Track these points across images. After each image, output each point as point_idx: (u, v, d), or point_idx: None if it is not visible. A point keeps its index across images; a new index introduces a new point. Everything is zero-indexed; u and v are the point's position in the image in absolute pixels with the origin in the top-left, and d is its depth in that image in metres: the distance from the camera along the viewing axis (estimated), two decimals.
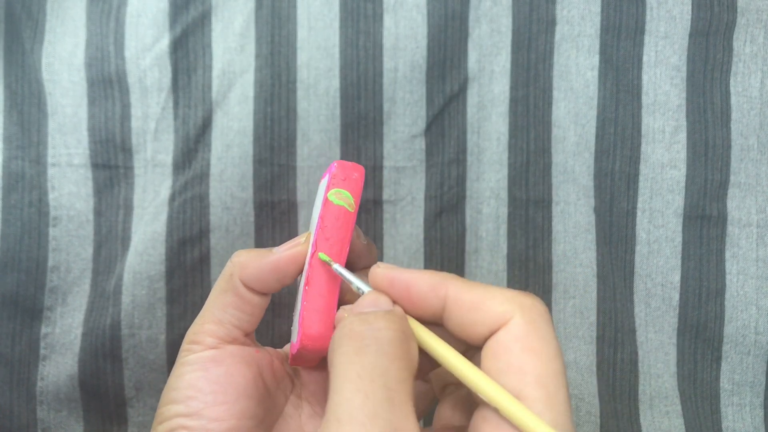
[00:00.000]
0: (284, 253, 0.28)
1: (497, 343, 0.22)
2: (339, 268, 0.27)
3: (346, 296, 0.29)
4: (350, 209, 0.28)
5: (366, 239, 0.30)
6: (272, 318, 0.40)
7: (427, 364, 0.25)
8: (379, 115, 0.39)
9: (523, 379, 0.21)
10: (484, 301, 0.23)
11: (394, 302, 0.25)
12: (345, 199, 0.28)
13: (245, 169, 0.39)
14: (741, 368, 0.39)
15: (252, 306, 0.28)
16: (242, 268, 0.28)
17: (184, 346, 0.28)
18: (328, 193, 0.28)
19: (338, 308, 0.28)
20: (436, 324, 0.25)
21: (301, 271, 0.28)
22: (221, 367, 0.27)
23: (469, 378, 0.22)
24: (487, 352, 0.22)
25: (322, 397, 0.30)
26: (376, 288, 0.25)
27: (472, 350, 0.25)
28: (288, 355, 0.31)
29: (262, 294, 0.28)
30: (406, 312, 0.25)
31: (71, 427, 0.39)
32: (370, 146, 0.39)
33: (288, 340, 0.40)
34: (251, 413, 0.26)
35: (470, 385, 0.22)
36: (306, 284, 0.27)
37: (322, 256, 0.27)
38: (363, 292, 0.26)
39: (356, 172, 0.28)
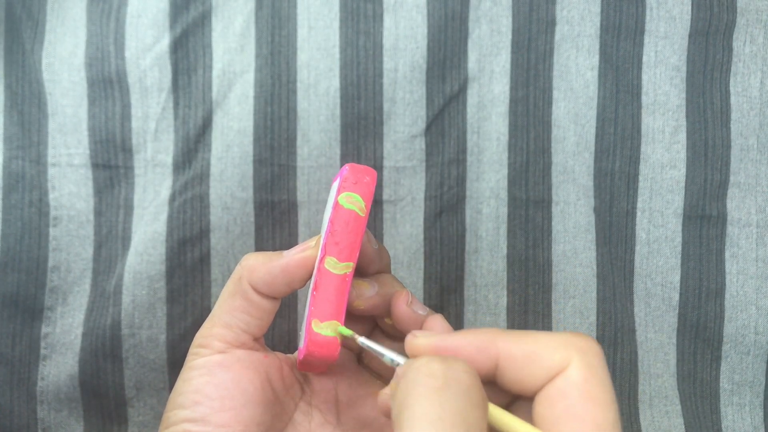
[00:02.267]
0: (294, 256, 0.27)
1: (555, 389, 0.21)
2: (368, 342, 0.26)
3: (354, 302, 0.28)
4: (361, 213, 0.27)
5: (377, 244, 0.30)
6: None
7: None
8: (379, 115, 0.39)
9: (581, 428, 0.20)
10: (538, 351, 0.22)
11: None
12: (356, 203, 0.27)
13: (245, 169, 0.39)
14: (741, 368, 0.39)
15: (261, 310, 0.28)
16: (251, 271, 0.28)
17: (192, 349, 0.28)
18: (339, 197, 0.27)
19: (346, 314, 0.27)
20: (486, 382, 0.23)
21: (310, 276, 0.28)
22: (228, 373, 0.27)
23: None
24: (542, 400, 0.22)
25: (333, 405, 0.29)
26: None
27: (518, 401, 0.24)
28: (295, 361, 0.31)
29: (272, 298, 0.28)
30: None
31: (71, 426, 0.39)
32: (370, 146, 0.39)
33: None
34: (258, 419, 0.26)
35: None
36: (314, 289, 0.27)
37: (342, 330, 0.26)
38: (397, 365, 0.24)
39: (368, 175, 0.28)
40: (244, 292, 0.28)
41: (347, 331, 0.26)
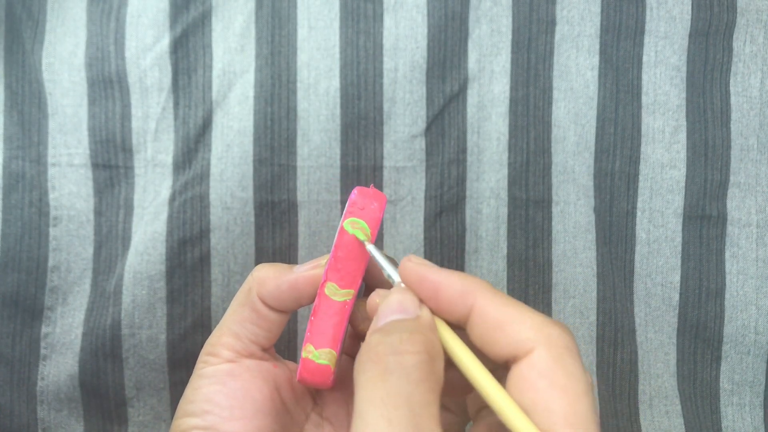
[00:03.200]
0: (303, 273, 0.27)
1: (521, 377, 0.21)
2: (373, 250, 0.26)
3: (359, 326, 0.28)
4: (366, 240, 0.27)
5: (391, 259, 0.30)
6: None
7: (463, 386, 0.24)
8: (379, 115, 0.39)
9: (550, 419, 0.20)
10: (510, 323, 0.22)
11: (422, 301, 0.24)
12: (361, 229, 0.27)
13: (245, 169, 0.39)
14: (741, 368, 0.39)
15: (269, 322, 0.28)
16: (260, 284, 0.28)
17: (201, 357, 0.28)
18: (344, 222, 0.27)
19: (344, 340, 0.27)
20: (462, 328, 0.24)
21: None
22: (238, 382, 0.27)
23: (500, 408, 0.21)
24: (512, 385, 0.22)
25: (343, 417, 0.29)
26: (405, 281, 0.24)
27: (501, 368, 0.24)
28: None
29: (280, 311, 0.28)
30: (433, 312, 0.24)
31: (71, 426, 0.39)
32: (370, 146, 0.39)
33: (289, 339, 0.40)
34: (268, 429, 0.26)
35: (499, 414, 0.21)
36: (312, 314, 0.26)
37: (357, 233, 0.26)
38: (394, 282, 0.25)
39: (376, 201, 0.27)
40: (253, 303, 0.28)
41: (361, 235, 0.26)
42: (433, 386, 0.21)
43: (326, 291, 0.26)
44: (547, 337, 0.22)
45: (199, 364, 0.28)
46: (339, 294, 0.27)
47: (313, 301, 0.28)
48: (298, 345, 0.40)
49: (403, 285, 0.25)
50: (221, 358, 0.27)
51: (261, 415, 0.26)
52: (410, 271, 0.24)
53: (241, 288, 0.29)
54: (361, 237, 0.26)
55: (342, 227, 0.27)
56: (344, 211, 0.27)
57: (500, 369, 0.23)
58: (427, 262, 0.25)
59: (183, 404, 0.27)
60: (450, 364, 0.23)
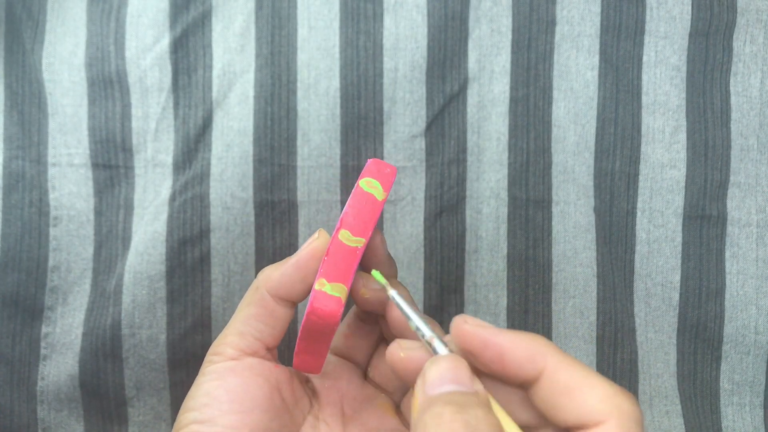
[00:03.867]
0: (303, 251, 0.28)
1: None
2: (395, 295, 0.26)
3: (360, 290, 0.29)
4: (379, 197, 0.29)
5: (388, 253, 0.30)
6: None
7: None
8: (379, 115, 0.39)
9: None
10: (581, 389, 0.21)
11: (474, 370, 0.23)
12: (375, 188, 0.29)
13: (245, 169, 0.39)
14: (741, 368, 0.39)
15: (275, 318, 0.28)
16: (267, 278, 0.29)
17: (207, 357, 0.28)
18: (360, 181, 0.29)
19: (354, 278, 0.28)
20: (517, 388, 0.23)
21: None
22: (238, 378, 0.27)
23: None
24: None
25: (339, 418, 0.30)
26: (463, 348, 0.23)
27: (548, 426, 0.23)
28: (305, 376, 0.31)
29: (288, 303, 0.29)
30: (493, 375, 0.23)
31: (71, 426, 0.39)
32: (370, 146, 0.39)
33: (289, 339, 0.40)
34: (265, 426, 0.26)
35: None
36: (325, 255, 0.28)
37: (376, 274, 0.27)
38: (423, 336, 0.24)
39: (389, 168, 0.30)
40: (261, 299, 0.28)
41: (381, 278, 0.27)
42: None
43: (340, 237, 0.28)
44: (618, 409, 0.21)
45: (204, 364, 0.28)
46: (352, 240, 0.28)
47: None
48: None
49: (450, 352, 0.23)
50: (225, 356, 0.28)
51: (259, 411, 0.27)
52: (470, 335, 0.23)
53: (247, 291, 0.29)
54: (377, 195, 0.29)
55: (358, 185, 0.29)
56: (360, 173, 0.30)
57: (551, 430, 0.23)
58: (483, 322, 0.23)
59: (185, 401, 0.27)
60: None
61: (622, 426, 0.20)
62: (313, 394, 0.30)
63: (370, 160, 0.30)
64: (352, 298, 0.29)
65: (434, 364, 0.23)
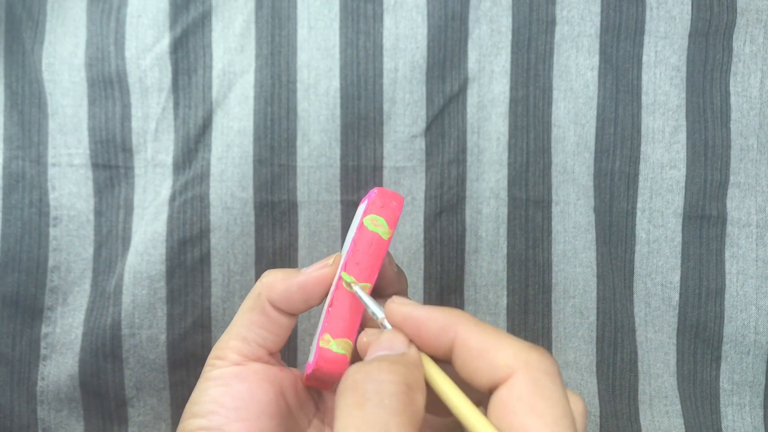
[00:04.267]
0: (312, 274, 0.28)
1: (501, 402, 0.21)
2: (359, 290, 0.26)
3: (368, 324, 0.28)
4: (384, 237, 0.27)
5: (398, 267, 0.30)
6: None
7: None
8: (379, 115, 0.39)
9: None
10: (489, 351, 0.22)
11: (410, 341, 0.24)
12: (380, 226, 0.27)
13: (245, 169, 0.39)
14: (741, 368, 0.39)
15: (277, 326, 0.28)
16: (270, 288, 0.28)
17: (209, 361, 0.28)
18: (364, 219, 0.27)
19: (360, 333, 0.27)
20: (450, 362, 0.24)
21: (327, 293, 0.28)
22: (244, 384, 0.27)
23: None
24: (491, 410, 0.22)
25: None
26: (391, 322, 0.25)
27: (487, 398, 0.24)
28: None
29: (289, 314, 0.28)
30: (421, 350, 0.24)
31: (72, 426, 0.39)
32: (370, 146, 0.39)
33: (294, 344, 0.40)
34: (271, 431, 0.26)
35: None
36: (329, 305, 0.27)
37: (345, 276, 0.27)
38: (378, 318, 0.25)
39: (395, 200, 0.28)
40: (263, 307, 0.28)
41: (348, 278, 0.27)
42: (411, 419, 0.21)
43: (344, 283, 0.27)
44: (525, 362, 0.21)
45: (206, 368, 0.28)
46: (357, 286, 0.27)
47: (321, 301, 0.28)
48: (298, 347, 0.41)
49: (389, 326, 0.25)
50: (228, 361, 0.28)
51: (266, 417, 0.26)
52: (394, 311, 0.25)
53: (250, 293, 0.29)
54: (382, 234, 0.27)
55: (362, 223, 0.27)
56: (364, 209, 0.28)
57: (487, 399, 0.23)
58: (410, 301, 0.25)
59: (189, 406, 0.27)
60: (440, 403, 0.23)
61: (529, 376, 0.21)
62: (318, 397, 0.30)
63: (374, 191, 0.28)
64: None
65: (376, 338, 0.25)
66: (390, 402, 0.21)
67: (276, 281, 0.28)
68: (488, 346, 0.22)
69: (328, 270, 0.28)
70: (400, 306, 0.25)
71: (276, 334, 0.28)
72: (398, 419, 0.21)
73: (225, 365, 0.28)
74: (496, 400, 0.21)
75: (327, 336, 0.26)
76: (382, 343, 0.24)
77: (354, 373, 0.22)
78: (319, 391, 0.31)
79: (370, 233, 0.27)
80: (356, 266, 0.27)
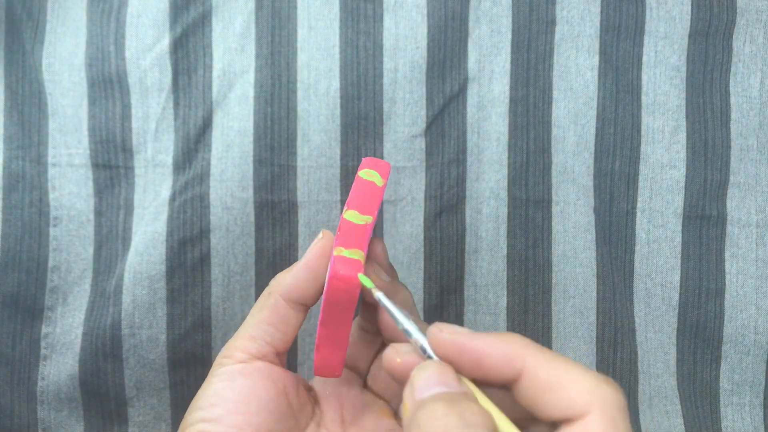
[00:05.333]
0: (310, 251, 0.29)
1: None
2: (382, 297, 0.26)
3: (369, 277, 0.28)
4: (379, 183, 0.30)
5: (390, 278, 0.30)
6: None
7: None
8: (379, 116, 0.39)
9: None
10: (563, 384, 0.21)
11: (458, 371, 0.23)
12: (374, 176, 0.30)
13: (245, 169, 0.39)
14: (740, 368, 0.39)
15: (286, 323, 0.29)
16: (279, 282, 0.29)
17: (217, 360, 0.29)
18: (360, 172, 0.30)
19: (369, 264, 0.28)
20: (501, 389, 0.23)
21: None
22: (247, 380, 0.27)
23: None
24: None
25: (339, 424, 0.30)
26: (441, 355, 0.23)
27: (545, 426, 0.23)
28: (309, 384, 0.31)
29: (301, 307, 0.29)
30: (477, 380, 0.23)
31: (72, 426, 0.39)
32: (370, 146, 0.39)
33: (295, 354, 0.40)
34: (270, 428, 0.27)
35: None
36: (337, 231, 0.28)
37: (363, 278, 0.26)
38: (411, 337, 0.24)
39: (383, 163, 0.31)
40: (273, 303, 0.29)
41: (368, 281, 0.26)
42: None
43: (346, 216, 0.28)
44: (602, 400, 0.21)
45: (213, 367, 0.28)
46: (360, 218, 0.28)
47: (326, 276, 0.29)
48: (299, 347, 0.41)
49: (435, 358, 0.24)
50: (234, 359, 0.28)
51: (265, 413, 0.27)
52: (446, 343, 0.23)
53: (260, 296, 0.30)
54: (377, 182, 0.30)
55: (358, 176, 0.30)
56: (358, 168, 0.31)
57: (545, 427, 0.23)
58: (459, 328, 0.24)
59: (194, 401, 0.27)
60: None
61: (606, 414, 0.21)
62: (315, 402, 0.31)
63: (365, 158, 0.31)
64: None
65: (420, 371, 0.23)
66: None
67: (282, 276, 0.29)
68: (562, 380, 0.21)
69: (323, 242, 0.28)
70: (451, 335, 0.23)
71: (284, 331, 0.29)
72: None
73: (231, 363, 0.28)
74: None
75: (340, 247, 0.27)
76: (432, 378, 0.23)
77: (446, 416, 0.21)
78: (316, 396, 0.31)
79: (367, 181, 0.30)
80: (357, 202, 0.29)
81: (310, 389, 0.31)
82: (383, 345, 0.32)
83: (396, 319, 0.25)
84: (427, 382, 0.23)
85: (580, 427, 0.21)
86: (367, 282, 0.26)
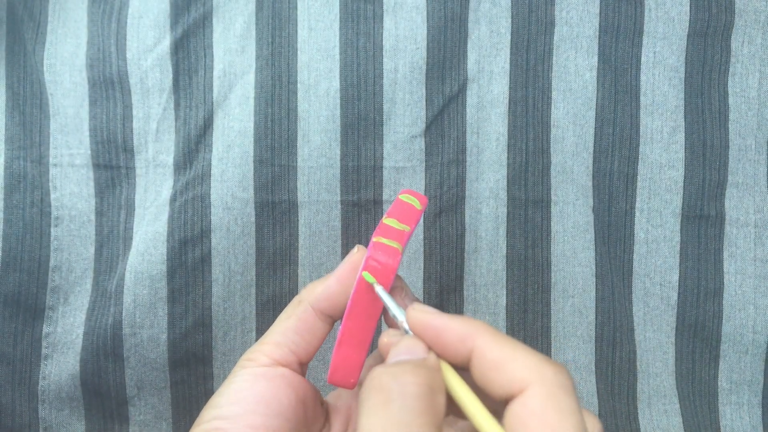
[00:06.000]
0: (343, 265, 0.29)
1: (515, 414, 0.22)
2: (381, 291, 0.27)
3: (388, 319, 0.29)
4: (417, 207, 0.31)
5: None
6: None
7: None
8: (379, 116, 0.39)
9: None
10: (506, 362, 0.22)
11: (430, 348, 0.25)
12: (413, 201, 0.31)
13: (246, 170, 0.39)
14: (739, 367, 0.39)
15: (312, 334, 0.29)
16: (310, 291, 0.29)
17: (239, 362, 0.29)
18: (400, 196, 0.31)
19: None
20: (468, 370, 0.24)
21: None
22: (269, 383, 0.27)
23: None
24: (506, 421, 0.22)
25: None
26: (412, 329, 0.25)
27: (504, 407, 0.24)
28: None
29: (328, 318, 0.29)
30: (440, 356, 0.25)
31: (73, 426, 0.40)
32: (370, 146, 0.39)
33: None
34: None
35: None
36: (373, 235, 0.28)
37: (366, 275, 0.27)
38: (398, 320, 0.26)
39: (422, 195, 0.32)
40: (303, 312, 0.29)
41: (370, 278, 0.27)
42: (433, 419, 0.22)
43: (385, 221, 0.29)
44: (540, 376, 0.22)
45: (235, 368, 0.29)
46: (399, 225, 0.29)
47: None
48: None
49: (410, 332, 0.26)
50: (258, 362, 0.28)
51: (282, 418, 0.27)
52: (415, 319, 0.25)
53: (289, 304, 0.30)
54: (416, 205, 0.31)
55: (398, 198, 0.31)
56: (399, 193, 0.31)
57: (502, 408, 0.23)
58: (430, 309, 0.25)
59: (212, 399, 0.28)
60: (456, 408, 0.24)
61: (543, 390, 0.21)
62: (326, 415, 0.31)
63: (404, 190, 0.32)
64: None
65: (395, 344, 0.25)
66: (414, 403, 0.22)
67: (314, 285, 0.29)
68: (505, 358, 0.23)
69: (356, 257, 0.29)
70: (420, 313, 0.25)
71: (309, 341, 0.29)
72: (421, 420, 0.21)
73: (254, 366, 0.28)
74: (511, 412, 0.22)
75: (379, 236, 0.28)
76: (402, 348, 0.25)
77: (379, 374, 0.23)
78: (327, 409, 0.31)
79: (406, 203, 0.30)
80: (396, 214, 0.29)
81: (323, 403, 0.31)
82: None
83: (387, 306, 0.27)
84: (397, 351, 0.25)
85: (519, 401, 0.22)
86: (369, 278, 0.27)
